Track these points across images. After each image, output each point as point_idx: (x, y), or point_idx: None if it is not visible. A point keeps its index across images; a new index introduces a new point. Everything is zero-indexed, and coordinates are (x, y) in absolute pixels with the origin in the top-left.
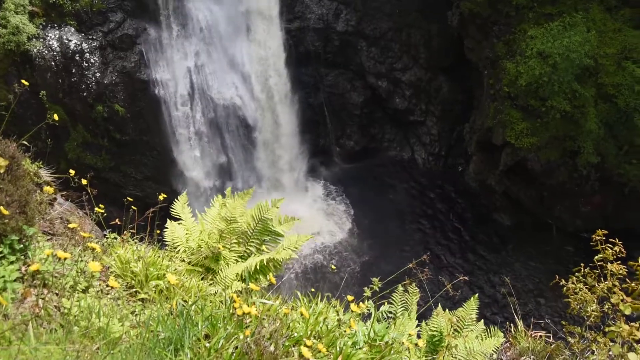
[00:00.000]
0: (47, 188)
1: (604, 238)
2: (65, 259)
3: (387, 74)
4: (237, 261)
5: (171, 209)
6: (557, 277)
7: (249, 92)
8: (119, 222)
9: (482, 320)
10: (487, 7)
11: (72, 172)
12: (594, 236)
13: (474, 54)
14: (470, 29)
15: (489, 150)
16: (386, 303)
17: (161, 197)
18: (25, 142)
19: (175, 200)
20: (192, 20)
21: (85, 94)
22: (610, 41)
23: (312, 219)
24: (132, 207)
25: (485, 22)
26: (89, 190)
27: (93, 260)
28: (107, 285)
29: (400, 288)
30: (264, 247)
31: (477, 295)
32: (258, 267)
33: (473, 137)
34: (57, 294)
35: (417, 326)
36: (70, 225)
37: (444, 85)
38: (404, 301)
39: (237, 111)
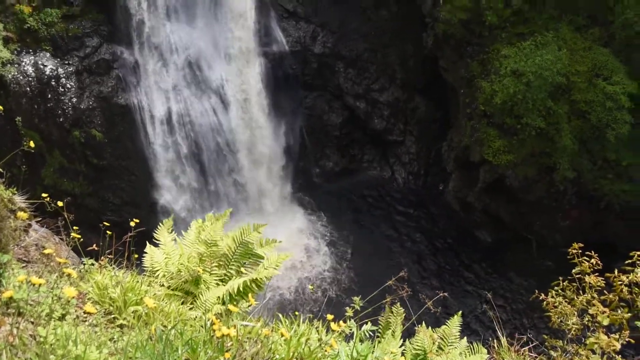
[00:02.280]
0: (20, 214)
1: (581, 251)
2: (40, 285)
3: (364, 95)
4: (218, 284)
5: (154, 233)
6: (537, 292)
7: (228, 116)
8: (96, 248)
9: (465, 337)
10: (460, 28)
11: (45, 195)
12: (570, 250)
13: (449, 74)
14: (445, 50)
15: (467, 168)
16: (369, 322)
17: (132, 223)
18: None
19: (160, 224)
20: (170, 45)
21: (61, 120)
22: (581, 59)
23: (292, 241)
24: (110, 232)
25: (459, 43)
26: (66, 215)
27: (69, 286)
28: (85, 312)
29: (387, 308)
30: (243, 269)
31: (460, 312)
32: (241, 289)
33: (451, 155)
34: (32, 322)
35: (400, 345)
36: (46, 251)
37: (421, 104)
38: (387, 320)
39: (216, 135)
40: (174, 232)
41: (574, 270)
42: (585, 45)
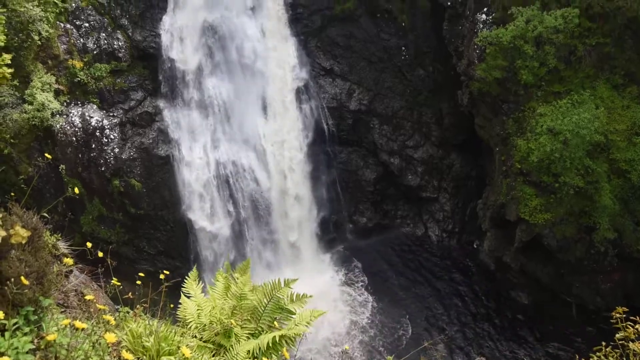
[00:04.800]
0: (67, 260)
1: (624, 316)
2: (82, 329)
3: (399, 151)
4: (249, 338)
5: (182, 286)
6: (578, 357)
7: (264, 169)
8: (131, 296)
9: None
10: (496, 87)
11: (89, 244)
12: (613, 314)
13: (485, 131)
14: (480, 107)
15: (503, 226)
16: None
17: (162, 275)
18: (45, 215)
19: (186, 276)
20: (210, 100)
21: (103, 169)
22: (619, 118)
23: (323, 296)
24: (145, 282)
25: (494, 101)
26: (109, 262)
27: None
28: (119, 359)
29: None
30: (275, 323)
31: None
32: (270, 344)
33: (487, 213)
34: None
35: None
36: (87, 297)
37: (456, 161)
38: None
39: (253, 188)
40: (201, 282)
41: (617, 336)
42: (624, 104)
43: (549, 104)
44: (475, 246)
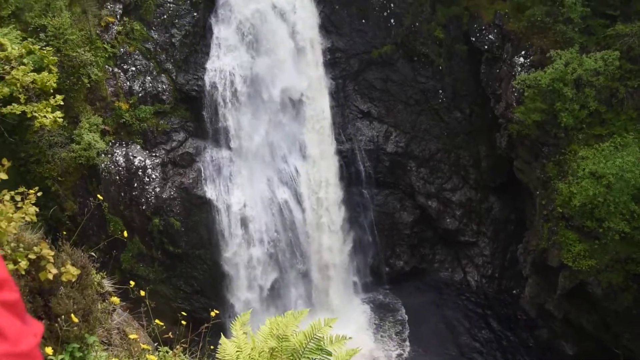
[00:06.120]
0: (114, 299)
1: None
2: None
3: (436, 194)
4: None
5: (230, 325)
6: None
7: (301, 210)
8: (171, 336)
9: None
10: (535, 129)
11: (132, 283)
12: None
13: (524, 175)
14: (519, 150)
15: (545, 272)
16: None
17: (213, 313)
18: (92, 253)
19: (237, 316)
20: (250, 142)
21: (144, 207)
22: None
23: (360, 341)
24: (183, 322)
25: (534, 144)
26: (147, 303)
27: None
28: None
29: None
30: None
31: None
32: None
33: (527, 258)
34: None
35: None
36: (131, 336)
37: (495, 205)
38: None
39: (288, 228)
40: (249, 325)
41: None
42: None
43: (590, 147)
44: (515, 292)
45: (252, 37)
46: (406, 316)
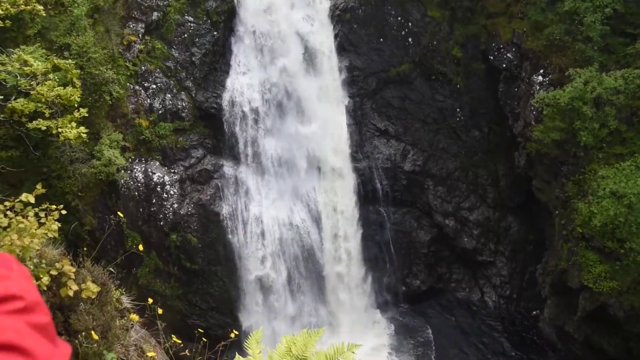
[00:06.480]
0: (133, 316)
1: None
2: None
3: (454, 213)
4: None
5: (244, 343)
6: None
7: (317, 227)
8: (188, 354)
9: None
10: (554, 148)
11: (150, 300)
12: None
13: (543, 194)
14: (538, 169)
15: (565, 293)
16: None
17: (232, 334)
18: (111, 269)
19: (250, 334)
20: (267, 158)
21: (161, 223)
22: None
23: None
24: (203, 339)
25: (553, 163)
26: (159, 324)
27: None
28: None
29: None
30: None
31: None
32: None
33: (546, 279)
34: None
35: None
36: (149, 354)
37: (513, 224)
38: None
39: (305, 246)
40: (262, 343)
41: None
42: None
43: (611, 166)
44: (534, 313)
45: (270, 56)
46: (421, 336)
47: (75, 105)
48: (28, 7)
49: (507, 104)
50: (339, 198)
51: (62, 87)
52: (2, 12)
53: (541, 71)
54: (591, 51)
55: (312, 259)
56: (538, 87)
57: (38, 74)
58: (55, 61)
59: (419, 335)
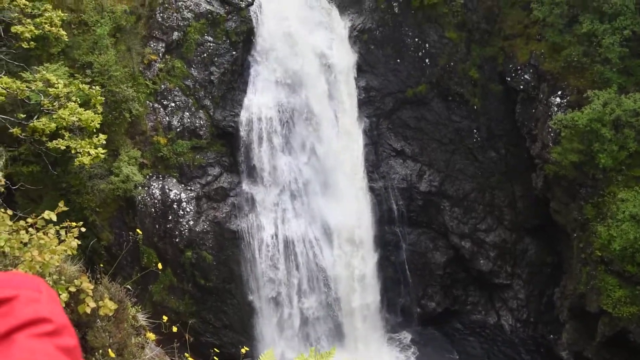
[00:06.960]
0: (149, 335)
1: None
2: None
3: (470, 235)
4: None
5: None
6: None
7: (331, 247)
8: None
9: None
10: (572, 170)
11: (165, 318)
12: None
13: (561, 216)
14: (555, 191)
15: (583, 318)
16: None
17: (243, 350)
18: (129, 286)
19: (261, 355)
20: (283, 177)
21: (177, 240)
22: None
23: None
24: (215, 358)
25: (571, 185)
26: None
27: None
28: None
29: None
30: None
31: None
32: None
33: (565, 303)
34: None
35: None
36: None
37: (530, 247)
38: None
39: (319, 265)
40: None
41: None
42: None
43: (630, 189)
44: (552, 338)
45: (288, 76)
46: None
47: (94, 130)
48: (53, 28)
49: (525, 125)
50: (354, 217)
51: (82, 110)
52: (28, 35)
53: (559, 93)
54: (610, 73)
55: (326, 278)
56: (556, 109)
57: (61, 95)
58: (80, 86)
59: (432, 358)
